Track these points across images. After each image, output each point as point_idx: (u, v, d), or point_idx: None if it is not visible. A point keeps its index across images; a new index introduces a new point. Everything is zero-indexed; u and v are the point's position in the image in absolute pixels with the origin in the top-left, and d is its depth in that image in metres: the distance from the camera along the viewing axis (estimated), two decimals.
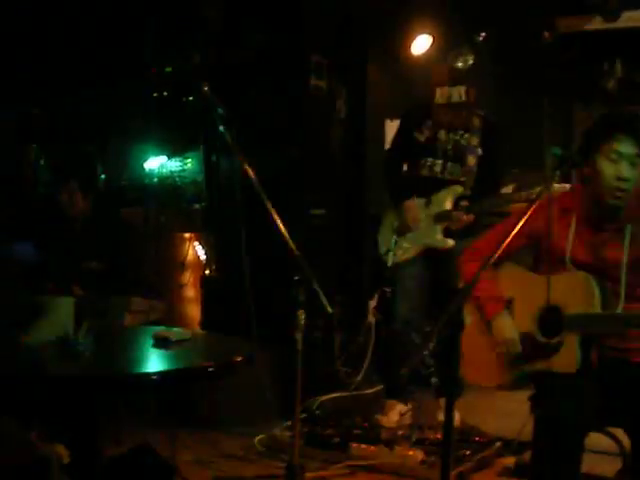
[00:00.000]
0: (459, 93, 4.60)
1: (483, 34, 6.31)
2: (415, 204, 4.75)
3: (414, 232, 4.76)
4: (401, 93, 6.18)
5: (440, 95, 4.62)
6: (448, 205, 4.67)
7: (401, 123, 5.01)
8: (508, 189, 4.58)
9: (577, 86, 6.78)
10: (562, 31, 6.80)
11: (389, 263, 4.86)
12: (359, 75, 6.19)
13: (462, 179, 4.68)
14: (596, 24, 6.58)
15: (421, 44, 6.15)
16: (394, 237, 4.84)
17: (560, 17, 6.74)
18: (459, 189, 4.66)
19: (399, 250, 4.82)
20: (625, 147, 2.91)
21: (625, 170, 2.92)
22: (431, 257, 4.76)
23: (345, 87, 6.09)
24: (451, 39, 6.40)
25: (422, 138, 4.75)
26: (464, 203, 4.62)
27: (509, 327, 3.07)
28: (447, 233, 4.68)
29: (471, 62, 6.37)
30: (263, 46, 5.36)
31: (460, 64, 6.41)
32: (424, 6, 6.13)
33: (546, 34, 6.77)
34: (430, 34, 6.16)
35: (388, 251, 4.86)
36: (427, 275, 4.81)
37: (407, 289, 4.83)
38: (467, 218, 4.59)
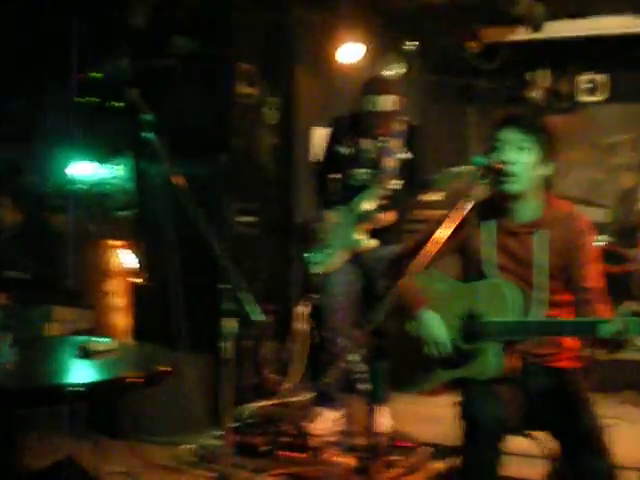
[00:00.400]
0: (389, 102, 4.64)
1: (413, 43, 6.37)
2: (333, 215, 4.84)
3: (338, 239, 4.81)
4: (331, 101, 6.19)
5: (370, 103, 4.65)
6: (368, 206, 4.72)
7: (329, 136, 5.04)
8: (434, 196, 4.63)
9: (503, 95, 6.90)
10: (487, 41, 6.91)
11: (317, 271, 4.92)
12: (289, 82, 6.18)
13: (382, 181, 4.73)
14: (520, 34, 6.70)
15: (351, 53, 6.17)
16: (322, 246, 4.90)
17: (485, 27, 6.85)
18: (378, 190, 4.71)
19: (326, 258, 4.87)
20: (508, 134, 3.03)
21: (508, 154, 3.01)
22: (358, 263, 4.79)
23: (275, 94, 6.09)
24: (382, 48, 6.48)
25: (347, 150, 4.80)
26: (383, 202, 4.67)
27: (438, 326, 3.09)
28: (371, 235, 4.75)
29: (403, 71, 6.47)
30: (191, 53, 5.32)
31: (391, 73, 6.49)
32: (354, 15, 6.15)
33: (472, 44, 6.88)
34: (360, 43, 6.19)
35: (315, 260, 4.92)
36: (355, 281, 4.84)
37: (335, 296, 4.85)
38: (386, 217, 4.65)
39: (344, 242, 4.80)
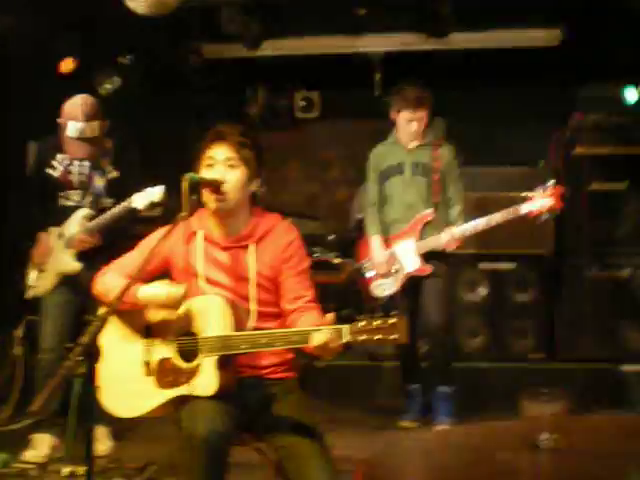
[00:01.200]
0: (93, 129, 4.58)
1: (129, 56, 6.31)
2: (45, 237, 4.75)
3: (50, 263, 4.73)
4: (47, 115, 5.97)
5: (73, 130, 4.55)
6: (76, 229, 4.66)
7: (35, 156, 4.93)
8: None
9: (223, 111, 6.98)
10: (208, 57, 6.98)
11: (29, 295, 4.83)
12: (2, 95, 5.91)
13: (92, 201, 4.70)
14: (238, 52, 6.83)
15: (66, 64, 6.02)
16: (35, 269, 4.81)
17: (205, 43, 6.92)
18: (85, 211, 4.67)
19: (40, 281, 4.78)
20: (217, 152, 3.09)
21: (219, 171, 3.06)
22: (72, 284, 4.68)
23: None
24: (97, 61, 6.36)
25: (56, 173, 4.70)
26: (87, 223, 4.62)
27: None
28: (79, 257, 4.68)
29: (118, 85, 6.39)
30: None
31: (107, 86, 6.39)
32: (71, 25, 6.00)
33: (193, 59, 6.93)
34: (76, 54, 6.05)
35: (29, 284, 4.82)
36: (69, 302, 4.72)
37: (51, 318, 4.73)
38: (91, 238, 4.59)
39: (56, 266, 4.72)
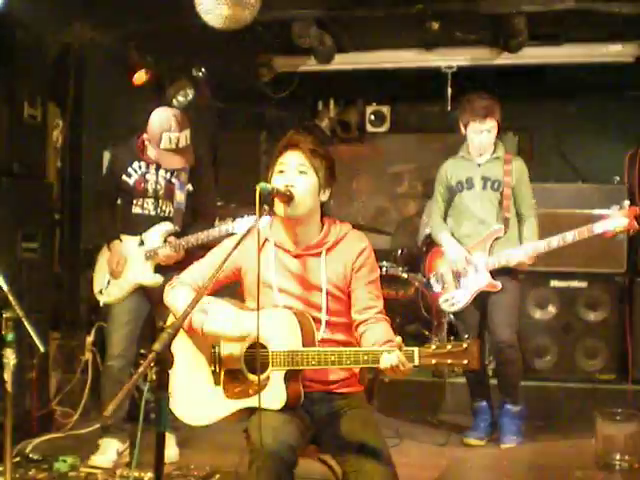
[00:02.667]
0: (186, 138, 4.63)
1: (202, 69, 6.39)
2: (120, 246, 4.79)
3: (125, 272, 4.76)
4: (121, 125, 6.09)
5: (170, 141, 4.58)
6: (158, 242, 4.71)
7: (110, 162, 5.02)
8: (225, 224, 4.63)
9: (294, 124, 7.04)
10: (279, 70, 7.04)
11: (101, 303, 4.89)
12: (77, 106, 6.03)
13: (172, 215, 4.76)
14: (311, 65, 6.87)
15: (140, 76, 6.11)
16: (108, 276, 4.83)
17: (277, 56, 6.97)
18: (168, 226, 4.73)
19: (112, 288, 4.82)
20: (289, 158, 3.10)
21: (290, 177, 3.08)
22: (144, 293, 4.76)
23: (62, 117, 5.93)
24: (171, 73, 6.45)
25: (131, 181, 4.75)
26: (171, 239, 4.66)
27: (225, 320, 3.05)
28: (157, 270, 4.74)
29: (191, 97, 6.47)
30: None
31: (181, 98, 6.48)
32: (145, 38, 6.10)
33: (264, 72, 6.99)
34: (149, 67, 6.15)
35: (101, 291, 4.87)
36: (142, 310, 4.78)
37: (121, 325, 4.76)
38: (176, 254, 4.63)
39: (134, 277, 4.75)
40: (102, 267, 4.88)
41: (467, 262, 5.10)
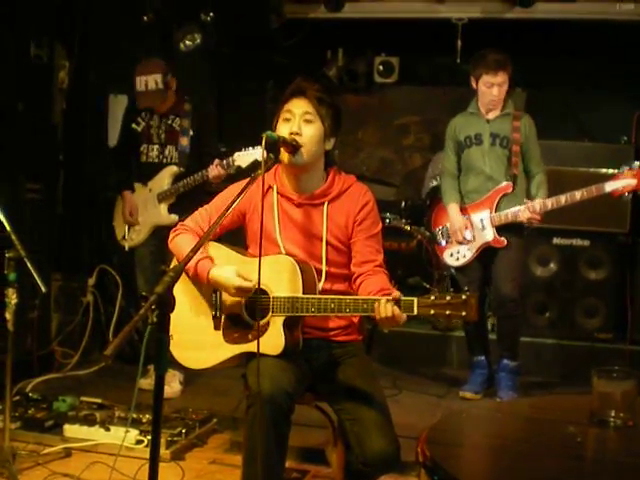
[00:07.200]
0: (155, 81, 4.94)
1: (211, 14, 6.32)
2: (129, 196, 5.16)
3: (142, 216, 5.12)
4: (127, 70, 6.04)
5: (138, 83, 4.97)
6: (166, 185, 5.06)
7: (123, 116, 5.34)
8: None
9: (301, 72, 6.95)
10: (288, 17, 6.96)
11: (126, 248, 5.24)
12: (83, 48, 5.99)
13: (176, 160, 5.07)
14: (319, 13, 6.80)
15: (148, 22, 6.09)
16: (125, 225, 5.22)
17: (287, 3, 6.89)
18: (174, 169, 5.05)
19: (133, 234, 5.19)
20: (296, 105, 3.06)
21: (296, 126, 3.05)
22: (160, 237, 4.84)
23: (68, 59, 5.90)
24: (178, 19, 6.39)
25: (139, 128, 5.12)
26: (217, 161, 4.81)
27: (231, 270, 3.03)
28: (171, 210, 5.08)
29: (198, 42, 6.41)
30: None
31: (188, 42, 6.43)
32: None
33: (273, 18, 6.90)
34: (156, 12, 6.11)
35: (124, 236, 5.22)
36: (163, 253, 4.83)
37: (145, 268, 5.19)
38: (225, 172, 4.79)
39: (151, 219, 5.10)
40: (120, 216, 5.23)
41: (467, 230, 5.12)
